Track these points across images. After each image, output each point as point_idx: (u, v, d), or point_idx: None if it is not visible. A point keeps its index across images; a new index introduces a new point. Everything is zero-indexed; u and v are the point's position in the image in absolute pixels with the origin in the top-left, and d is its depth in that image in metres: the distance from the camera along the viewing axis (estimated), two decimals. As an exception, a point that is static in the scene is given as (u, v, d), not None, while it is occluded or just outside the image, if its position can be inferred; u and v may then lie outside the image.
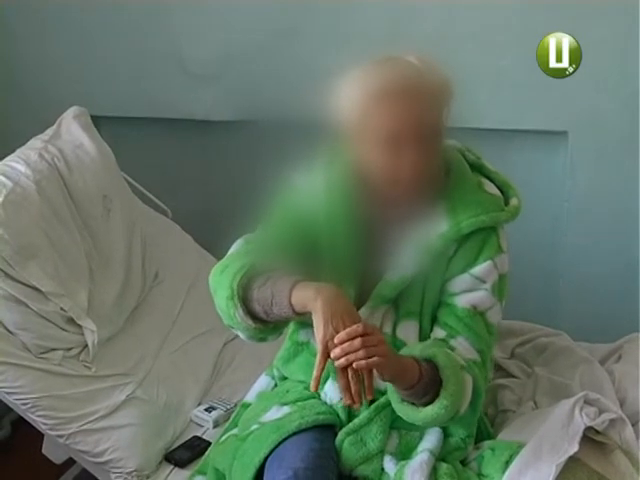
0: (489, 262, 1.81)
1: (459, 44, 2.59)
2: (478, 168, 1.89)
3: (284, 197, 1.88)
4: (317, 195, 1.84)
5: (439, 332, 1.83)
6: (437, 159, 1.76)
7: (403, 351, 1.78)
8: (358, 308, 1.81)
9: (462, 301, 1.81)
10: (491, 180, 1.88)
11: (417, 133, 1.69)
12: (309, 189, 1.86)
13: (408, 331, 1.84)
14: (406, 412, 1.75)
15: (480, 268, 1.80)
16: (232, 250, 1.85)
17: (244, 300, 1.72)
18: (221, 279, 1.77)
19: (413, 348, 1.78)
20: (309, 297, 1.63)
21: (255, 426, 1.89)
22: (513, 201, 1.86)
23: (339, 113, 1.73)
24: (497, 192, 1.86)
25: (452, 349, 1.79)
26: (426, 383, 1.71)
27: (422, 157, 1.71)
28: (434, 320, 1.85)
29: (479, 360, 1.81)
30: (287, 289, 1.66)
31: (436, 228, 1.79)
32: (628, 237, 2.57)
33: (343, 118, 1.73)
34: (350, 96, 1.71)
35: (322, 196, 1.84)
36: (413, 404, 1.74)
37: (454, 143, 1.89)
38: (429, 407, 1.72)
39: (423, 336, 1.85)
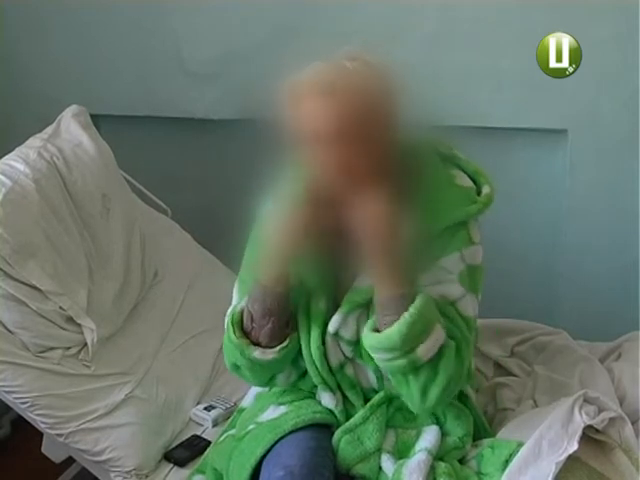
0: (455, 253, 1.79)
1: (459, 44, 2.60)
2: (450, 159, 1.87)
3: (252, 234, 1.91)
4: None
5: None
6: (375, 159, 1.72)
7: None
8: (331, 315, 1.83)
9: (431, 293, 1.78)
10: (463, 169, 1.86)
11: (339, 132, 1.67)
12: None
13: None
14: (369, 340, 1.75)
15: (446, 259, 1.79)
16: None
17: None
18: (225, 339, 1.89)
19: None
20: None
21: (252, 426, 1.90)
22: (485, 189, 1.83)
23: (278, 115, 1.72)
24: (469, 183, 1.84)
25: None
26: (401, 299, 1.71)
27: (349, 157, 1.68)
28: None
29: (452, 344, 1.76)
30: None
31: (408, 230, 1.76)
32: (628, 236, 2.57)
33: (281, 120, 1.72)
34: (282, 98, 1.71)
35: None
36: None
37: (425, 138, 1.86)
38: (388, 328, 1.71)
39: None
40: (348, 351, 1.86)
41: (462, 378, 1.81)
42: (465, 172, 1.86)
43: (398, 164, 1.77)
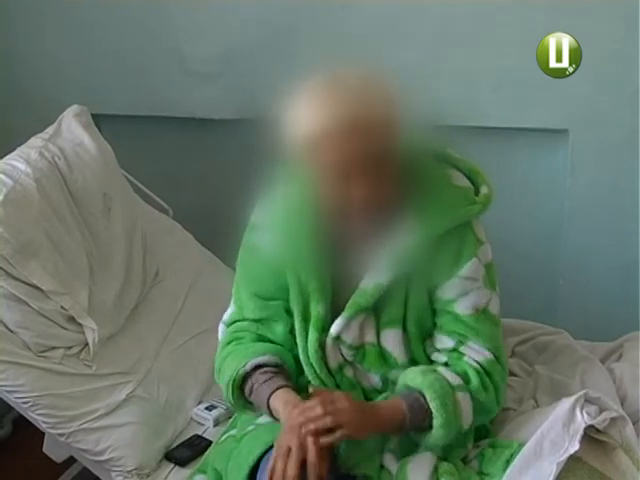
0: (473, 260, 1.78)
1: (459, 44, 2.60)
2: (445, 159, 1.85)
3: (246, 241, 1.91)
4: (276, 225, 1.84)
5: (447, 342, 1.83)
6: (392, 180, 1.72)
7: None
8: (331, 319, 1.83)
9: (462, 306, 1.80)
10: (459, 169, 1.84)
11: (365, 166, 1.65)
12: (267, 222, 1.86)
13: (392, 340, 1.83)
14: (418, 439, 1.82)
15: (466, 269, 1.78)
16: (220, 338, 1.98)
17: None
18: (220, 380, 1.91)
19: (401, 380, 1.82)
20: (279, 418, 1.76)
21: (251, 427, 1.90)
22: (483, 189, 1.81)
23: (287, 137, 1.69)
24: (466, 183, 1.82)
25: (462, 355, 1.81)
26: (414, 419, 1.76)
27: (373, 186, 1.67)
28: (421, 326, 1.84)
29: (492, 358, 1.82)
30: (265, 405, 1.79)
31: (408, 233, 1.76)
32: (628, 235, 2.57)
33: (291, 144, 1.70)
34: (296, 126, 1.67)
35: (281, 222, 1.83)
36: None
37: (421, 139, 1.83)
38: (429, 437, 1.78)
39: (409, 343, 1.84)
40: (349, 355, 1.85)
41: (504, 380, 1.87)
42: (461, 171, 1.84)
43: (400, 167, 1.76)
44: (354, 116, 1.62)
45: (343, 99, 1.64)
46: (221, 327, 1.98)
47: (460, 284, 1.79)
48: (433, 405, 1.74)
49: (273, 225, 1.85)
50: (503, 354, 1.86)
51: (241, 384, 1.85)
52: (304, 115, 1.66)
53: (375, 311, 1.82)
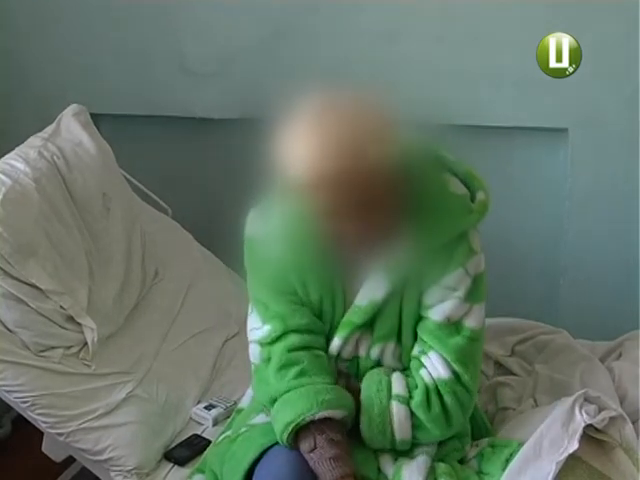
0: (459, 270, 1.74)
1: (459, 43, 2.60)
2: (440, 162, 1.80)
3: (250, 258, 1.85)
4: (275, 240, 1.80)
5: (415, 348, 1.81)
6: (387, 214, 1.67)
7: None
8: (332, 337, 1.82)
9: (435, 314, 1.76)
10: (454, 172, 1.79)
11: (355, 211, 1.61)
12: (267, 237, 1.81)
13: (385, 353, 1.82)
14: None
15: (450, 277, 1.74)
16: (260, 360, 1.87)
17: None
18: (277, 417, 1.78)
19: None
20: None
21: (244, 429, 1.89)
22: (479, 195, 1.77)
23: (279, 171, 1.63)
24: (462, 190, 1.77)
25: (421, 366, 1.79)
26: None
27: (366, 226, 1.65)
28: (415, 337, 1.82)
29: (449, 377, 1.77)
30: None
31: (405, 247, 1.73)
32: (628, 235, 2.57)
33: (282, 179, 1.64)
34: (286, 166, 1.61)
35: (280, 238, 1.79)
36: None
37: (416, 141, 1.76)
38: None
39: (402, 355, 1.83)
40: (343, 366, 1.85)
41: (463, 403, 1.80)
42: (456, 176, 1.79)
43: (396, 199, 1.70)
44: (342, 170, 1.56)
45: (331, 152, 1.57)
46: (255, 348, 1.87)
47: (440, 292, 1.75)
48: (362, 405, 1.77)
49: (272, 239, 1.80)
50: (470, 372, 1.78)
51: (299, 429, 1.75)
52: (292, 159, 1.60)
53: (371, 326, 1.80)
